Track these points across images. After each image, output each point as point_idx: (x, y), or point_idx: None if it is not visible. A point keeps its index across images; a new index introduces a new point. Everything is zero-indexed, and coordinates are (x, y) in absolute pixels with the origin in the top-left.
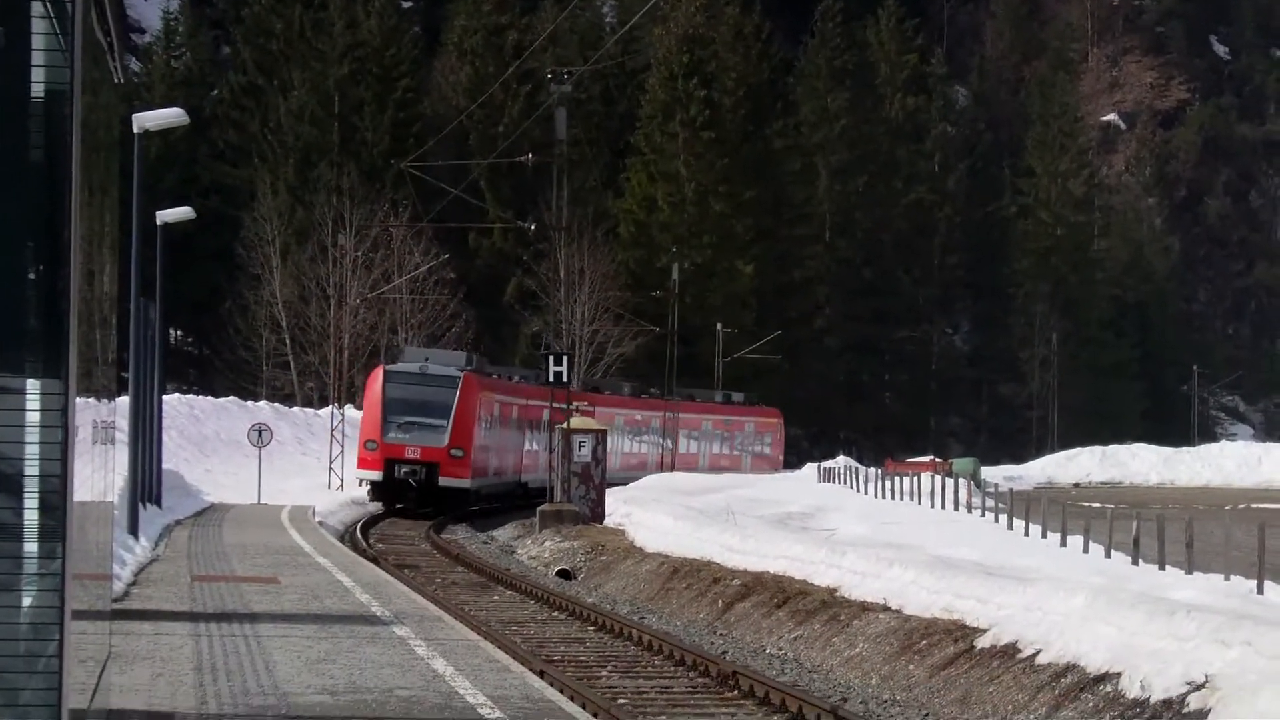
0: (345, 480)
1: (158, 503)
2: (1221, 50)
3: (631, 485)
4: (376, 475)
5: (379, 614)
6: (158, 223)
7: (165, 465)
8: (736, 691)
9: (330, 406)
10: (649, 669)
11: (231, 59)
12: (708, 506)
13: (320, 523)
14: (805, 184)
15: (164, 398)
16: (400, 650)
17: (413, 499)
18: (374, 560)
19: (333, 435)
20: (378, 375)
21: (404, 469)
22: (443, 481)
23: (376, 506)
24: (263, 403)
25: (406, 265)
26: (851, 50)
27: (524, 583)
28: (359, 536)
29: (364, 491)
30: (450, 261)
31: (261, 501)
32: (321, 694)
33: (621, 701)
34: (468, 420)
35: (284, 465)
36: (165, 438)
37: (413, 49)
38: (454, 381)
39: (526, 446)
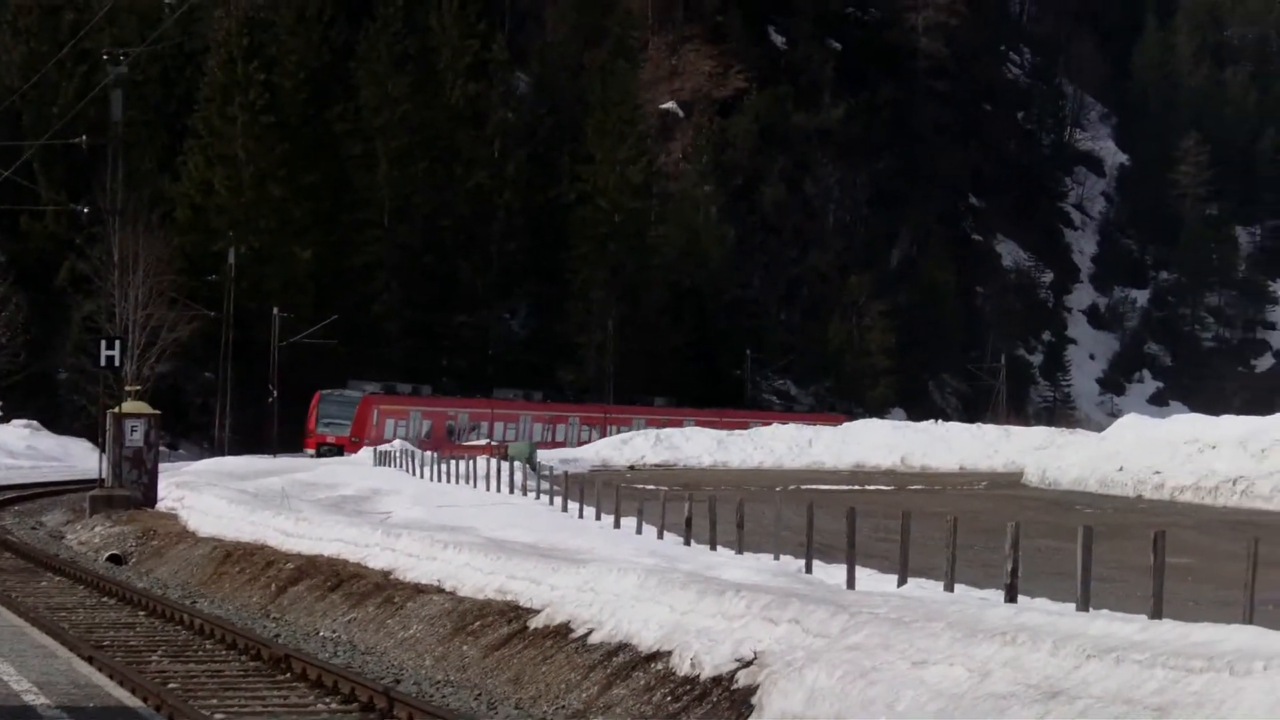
0: None
1: None
2: (779, 40)
3: (185, 469)
4: (313, 451)
5: None
6: None
7: None
8: (289, 674)
9: None
10: (200, 653)
11: None
12: (262, 490)
13: None
14: (365, 169)
15: None
16: None
17: None
18: None
19: None
20: (317, 396)
21: (325, 447)
22: (347, 454)
23: None
24: None
25: None
26: (413, 35)
27: (73, 568)
28: None
29: None
30: (0, 245)
31: None
32: None
33: (172, 685)
34: (364, 421)
35: None
36: None
37: None
38: (356, 399)
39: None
